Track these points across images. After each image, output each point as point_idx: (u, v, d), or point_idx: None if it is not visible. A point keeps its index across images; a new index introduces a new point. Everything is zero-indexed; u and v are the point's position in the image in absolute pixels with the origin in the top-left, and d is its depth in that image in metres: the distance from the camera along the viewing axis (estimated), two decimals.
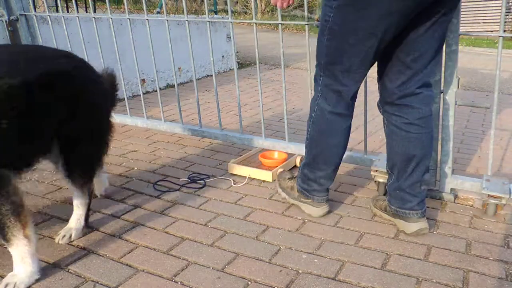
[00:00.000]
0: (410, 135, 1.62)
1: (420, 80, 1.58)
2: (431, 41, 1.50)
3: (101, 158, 1.68)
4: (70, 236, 1.63)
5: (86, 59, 2.83)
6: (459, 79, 1.86)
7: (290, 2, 1.66)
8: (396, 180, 1.70)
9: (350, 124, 1.71)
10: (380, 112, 1.72)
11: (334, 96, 1.62)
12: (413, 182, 1.66)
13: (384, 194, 1.97)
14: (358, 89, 1.63)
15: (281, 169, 2.20)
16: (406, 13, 1.38)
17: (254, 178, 2.22)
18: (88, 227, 1.72)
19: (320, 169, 1.76)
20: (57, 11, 4.22)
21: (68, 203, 1.95)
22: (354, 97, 1.66)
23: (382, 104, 1.69)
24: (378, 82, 1.69)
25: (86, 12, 4.94)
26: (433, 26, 1.47)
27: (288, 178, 1.96)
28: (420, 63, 1.54)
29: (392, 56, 1.57)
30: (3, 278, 1.42)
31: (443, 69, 1.83)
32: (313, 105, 1.69)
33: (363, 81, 1.90)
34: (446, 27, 1.54)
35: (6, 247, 1.59)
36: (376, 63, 1.64)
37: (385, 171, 1.95)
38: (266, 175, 2.18)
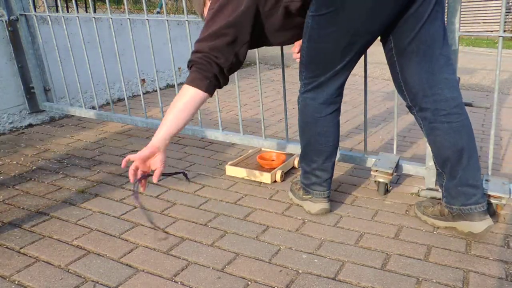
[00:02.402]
0: (453, 125, 1.59)
1: (441, 66, 1.57)
2: (435, 24, 1.54)
3: None
4: None
5: (86, 59, 2.85)
6: (459, 79, 1.85)
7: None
8: (451, 177, 1.64)
9: (336, 112, 1.75)
10: (413, 113, 1.70)
11: (316, 88, 1.71)
12: (474, 172, 1.61)
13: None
14: (341, 82, 1.70)
15: (280, 170, 2.20)
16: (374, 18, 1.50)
17: (253, 180, 2.22)
18: None
19: (313, 160, 1.80)
20: (57, 11, 4.22)
21: (68, 203, 1.95)
22: (338, 88, 1.71)
23: (414, 104, 1.67)
24: (400, 86, 1.68)
25: (86, 12, 4.94)
26: (431, 14, 1.51)
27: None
28: (433, 49, 1.55)
29: (406, 53, 1.59)
30: (3, 278, 1.42)
31: None
32: (299, 98, 1.79)
33: (363, 81, 1.90)
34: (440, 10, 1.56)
35: (6, 247, 1.60)
36: (393, 70, 1.66)
37: (386, 171, 1.96)
38: (265, 177, 2.18)
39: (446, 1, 1.75)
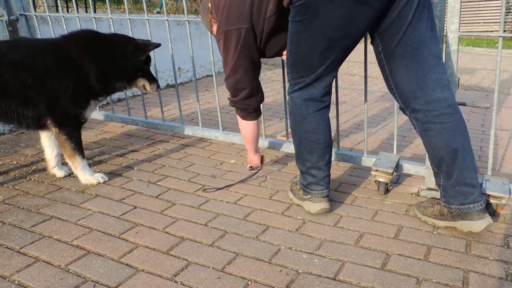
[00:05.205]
0: (446, 125, 1.60)
1: (431, 66, 1.58)
2: (420, 25, 1.55)
3: None
4: None
5: None
6: (459, 79, 1.86)
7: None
8: (448, 176, 1.65)
9: (324, 109, 1.77)
10: (406, 114, 1.71)
11: (301, 89, 1.74)
12: (470, 171, 1.61)
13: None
14: (327, 83, 1.72)
15: None
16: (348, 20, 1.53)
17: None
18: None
19: (306, 159, 1.81)
20: (57, 11, 4.22)
21: (68, 203, 1.95)
22: (325, 88, 1.73)
23: (406, 106, 1.68)
24: (391, 89, 1.70)
25: (86, 12, 4.94)
26: (414, 15, 1.53)
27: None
28: (420, 50, 1.56)
29: (394, 57, 1.60)
30: (3, 278, 1.43)
31: None
32: (288, 98, 1.82)
33: (363, 81, 1.90)
34: (427, 11, 1.57)
35: (6, 247, 1.60)
36: (384, 73, 1.68)
37: (386, 170, 1.96)
38: None
39: (446, 1, 1.75)
